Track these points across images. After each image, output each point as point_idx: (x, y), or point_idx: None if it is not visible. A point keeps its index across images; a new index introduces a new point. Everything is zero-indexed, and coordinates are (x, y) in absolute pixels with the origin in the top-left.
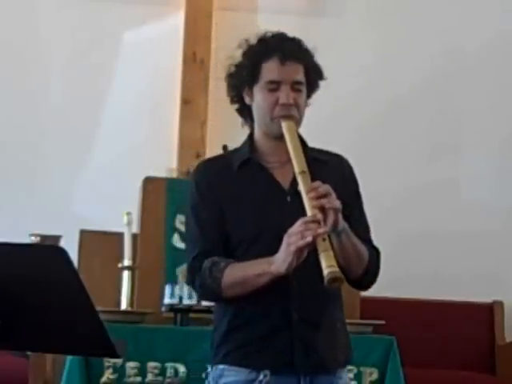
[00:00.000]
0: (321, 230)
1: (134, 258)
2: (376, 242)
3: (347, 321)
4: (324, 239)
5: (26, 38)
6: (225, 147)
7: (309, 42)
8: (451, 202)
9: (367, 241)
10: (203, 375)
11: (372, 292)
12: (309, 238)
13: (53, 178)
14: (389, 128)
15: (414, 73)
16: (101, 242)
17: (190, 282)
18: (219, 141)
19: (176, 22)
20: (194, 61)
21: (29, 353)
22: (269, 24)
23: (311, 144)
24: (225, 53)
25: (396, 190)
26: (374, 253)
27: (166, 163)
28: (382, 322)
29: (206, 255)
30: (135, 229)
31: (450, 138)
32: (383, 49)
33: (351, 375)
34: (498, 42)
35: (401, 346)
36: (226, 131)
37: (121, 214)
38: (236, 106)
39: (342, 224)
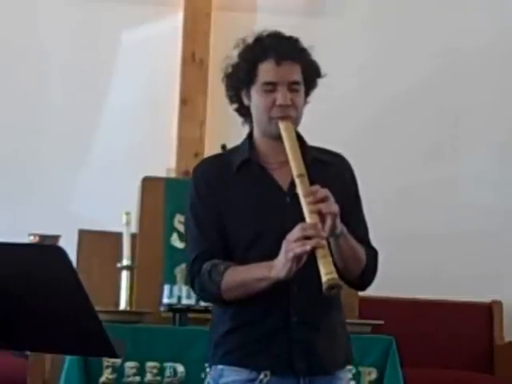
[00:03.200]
0: (322, 242)
1: (132, 258)
2: (375, 241)
3: (346, 321)
4: (323, 246)
5: (24, 38)
6: (223, 147)
7: (308, 42)
8: (450, 202)
9: (365, 242)
10: (202, 375)
11: (371, 292)
12: (307, 247)
13: (52, 178)
14: (388, 128)
15: (413, 73)
16: (100, 242)
17: (190, 284)
18: (218, 141)
19: (175, 21)
20: (193, 61)
21: (28, 353)
22: (268, 24)
23: (311, 142)
24: (224, 53)
25: (395, 190)
26: (372, 254)
27: (165, 163)
28: (381, 322)
29: (206, 257)
30: (134, 229)
31: (448, 138)
32: (382, 49)
33: (350, 375)
34: (497, 42)
35: (399, 345)
36: (224, 131)
37: (120, 214)
38: (235, 105)
39: (340, 227)
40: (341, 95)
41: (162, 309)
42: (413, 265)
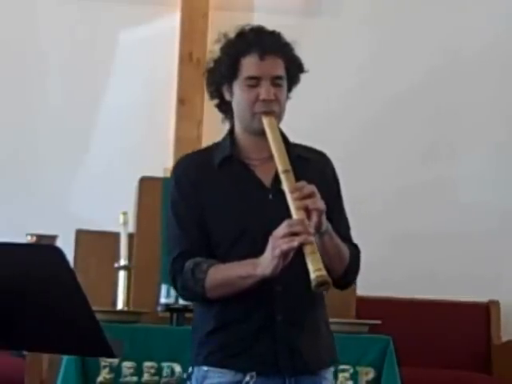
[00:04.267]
0: (310, 238)
1: (130, 258)
2: (372, 241)
3: (343, 320)
4: (311, 242)
5: (23, 38)
6: None
7: (305, 42)
8: (448, 202)
9: (347, 239)
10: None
11: (368, 291)
12: (294, 243)
13: (49, 178)
14: (385, 128)
15: (411, 73)
16: (97, 242)
17: (171, 282)
18: (215, 140)
19: (172, 21)
20: (190, 60)
21: (25, 353)
22: (265, 24)
23: (308, 143)
24: None
25: (393, 190)
26: (355, 253)
27: (163, 163)
28: (378, 322)
29: (188, 256)
30: (131, 228)
31: (446, 138)
32: (379, 48)
33: (347, 375)
34: (497, 42)
35: (397, 345)
36: (222, 131)
37: (117, 214)
38: (215, 101)
39: (326, 225)
40: (339, 95)
41: (159, 309)
42: (411, 264)
